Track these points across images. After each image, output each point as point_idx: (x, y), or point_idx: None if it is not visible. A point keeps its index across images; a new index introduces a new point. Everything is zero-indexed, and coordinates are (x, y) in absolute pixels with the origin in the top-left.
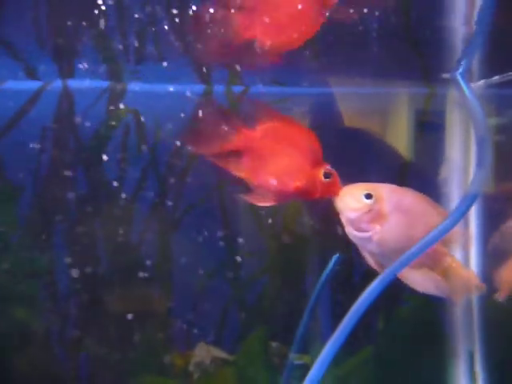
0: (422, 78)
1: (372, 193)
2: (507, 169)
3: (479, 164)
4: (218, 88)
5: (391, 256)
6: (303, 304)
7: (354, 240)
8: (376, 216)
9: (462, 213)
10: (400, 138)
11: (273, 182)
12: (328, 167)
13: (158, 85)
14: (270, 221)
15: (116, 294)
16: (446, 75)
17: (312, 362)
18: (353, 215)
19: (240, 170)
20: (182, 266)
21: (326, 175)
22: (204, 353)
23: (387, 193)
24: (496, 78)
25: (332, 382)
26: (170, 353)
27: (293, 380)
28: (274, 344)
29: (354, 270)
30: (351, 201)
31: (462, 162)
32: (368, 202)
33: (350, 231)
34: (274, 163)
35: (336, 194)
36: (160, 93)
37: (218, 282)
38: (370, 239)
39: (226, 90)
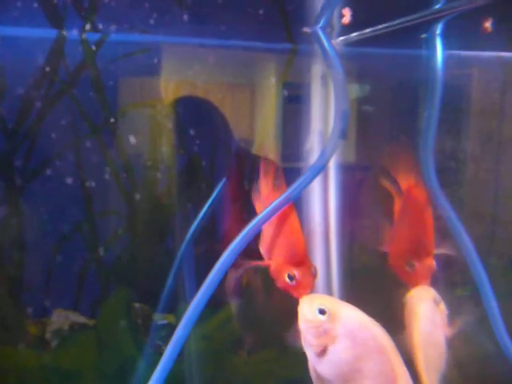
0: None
1: (327, 310)
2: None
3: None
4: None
5: (330, 380)
6: (166, 263)
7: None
8: (323, 334)
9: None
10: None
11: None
12: (295, 272)
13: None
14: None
15: None
16: (306, 29)
17: (176, 321)
18: (302, 324)
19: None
20: (32, 226)
21: (290, 277)
22: (62, 319)
23: (345, 316)
24: (354, 34)
25: (198, 340)
26: (22, 321)
27: (158, 340)
28: (136, 305)
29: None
30: (306, 309)
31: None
32: (320, 317)
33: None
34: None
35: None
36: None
37: (74, 242)
38: (312, 354)
39: (81, 36)
